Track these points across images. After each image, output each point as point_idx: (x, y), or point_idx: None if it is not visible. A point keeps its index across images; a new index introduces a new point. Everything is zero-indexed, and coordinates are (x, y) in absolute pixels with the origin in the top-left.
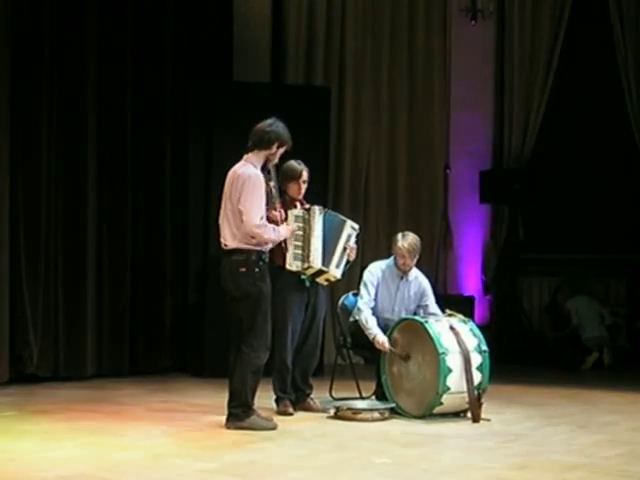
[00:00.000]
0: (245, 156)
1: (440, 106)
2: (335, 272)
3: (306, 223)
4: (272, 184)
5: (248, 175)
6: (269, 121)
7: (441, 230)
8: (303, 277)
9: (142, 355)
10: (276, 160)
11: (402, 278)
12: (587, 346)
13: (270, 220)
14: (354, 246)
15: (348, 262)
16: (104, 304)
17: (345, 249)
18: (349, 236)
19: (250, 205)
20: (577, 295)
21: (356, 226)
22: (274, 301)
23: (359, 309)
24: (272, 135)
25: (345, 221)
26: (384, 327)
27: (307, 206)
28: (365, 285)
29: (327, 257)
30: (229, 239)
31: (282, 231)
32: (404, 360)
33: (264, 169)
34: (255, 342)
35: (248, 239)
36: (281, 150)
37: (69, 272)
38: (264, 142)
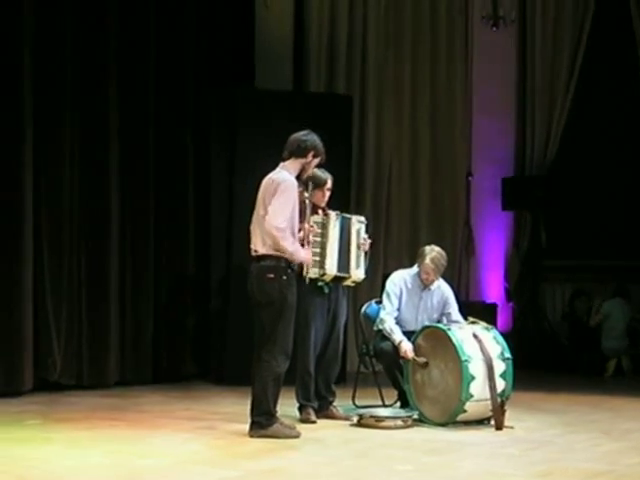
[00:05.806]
0: (281, 164)
1: (462, 113)
2: (357, 274)
3: (324, 229)
4: (307, 195)
5: (283, 179)
6: (304, 132)
7: (463, 237)
8: (320, 284)
9: (165, 363)
10: (311, 170)
11: (425, 288)
12: (605, 354)
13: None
14: (366, 238)
15: (366, 254)
16: (127, 312)
17: (359, 246)
18: (358, 231)
19: (278, 206)
20: (616, 297)
21: (362, 218)
22: (296, 309)
23: (382, 320)
24: (308, 144)
25: (350, 218)
26: (407, 337)
27: (327, 212)
28: (388, 296)
29: (344, 262)
30: (259, 245)
31: (301, 253)
32: (423, 367)
33: (299, 179)
34: (275, 349)
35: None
36: (316, 160)
37: (92, 280)
38: (300, 150)
